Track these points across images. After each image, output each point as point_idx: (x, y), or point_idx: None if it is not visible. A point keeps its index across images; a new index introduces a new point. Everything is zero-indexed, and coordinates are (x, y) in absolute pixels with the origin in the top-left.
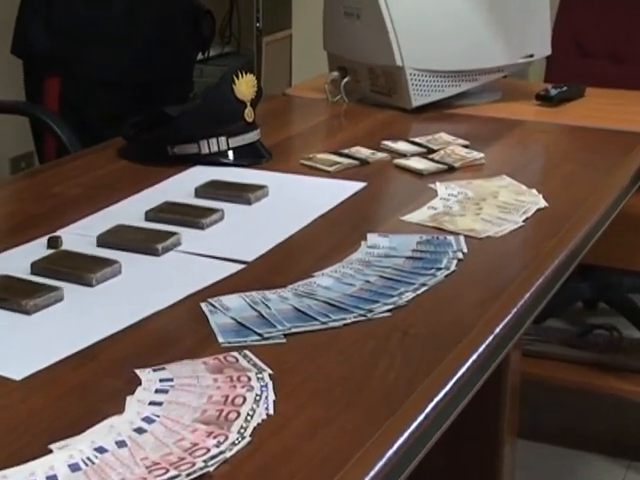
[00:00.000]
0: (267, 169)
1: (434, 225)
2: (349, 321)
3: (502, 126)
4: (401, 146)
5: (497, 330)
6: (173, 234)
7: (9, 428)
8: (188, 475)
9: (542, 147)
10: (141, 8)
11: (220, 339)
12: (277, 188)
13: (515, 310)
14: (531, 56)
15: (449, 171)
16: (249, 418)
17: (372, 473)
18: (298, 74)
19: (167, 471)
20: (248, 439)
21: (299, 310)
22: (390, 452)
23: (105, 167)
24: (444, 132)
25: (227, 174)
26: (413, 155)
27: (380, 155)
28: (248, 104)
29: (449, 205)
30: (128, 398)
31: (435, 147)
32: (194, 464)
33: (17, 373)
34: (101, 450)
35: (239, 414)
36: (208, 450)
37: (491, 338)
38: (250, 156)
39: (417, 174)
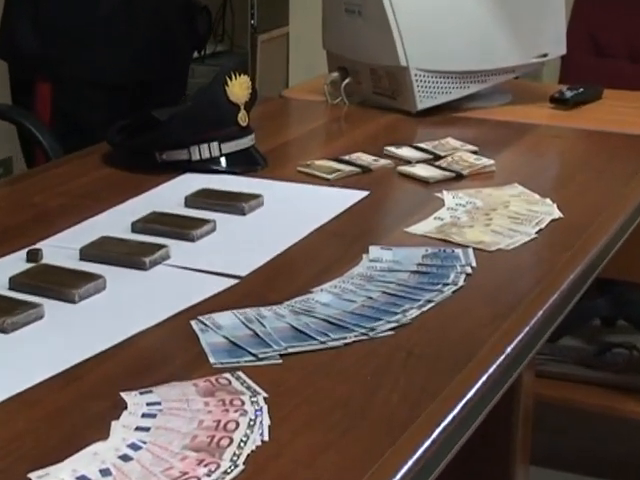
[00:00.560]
0: (262, 177)
1: (441, 237)
2: (350, 340)
3: (513, 131)
4: (405, 152)
5: (508, 350)
6: (161, 247)
7: None
8: None
9: (556, 153)
10: (135, 5)
11: (212, 360)
12: (273, 197)
13: (528, 328)
14: (545, 55)
15: (457, 179)
16: (242, 445)
17: None
18: (295, 75)
19: None
20: (241, 467)
21: (296, 329)
22: None
23: (89, 175)
24: (451, 137)
25: (219, 182)
26: (418, 162)
27: (383, 162)
28: (242, 107)
29: (457, 215)
30: (113, 423)
31: (442, 153)
32: None
33: None
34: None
35: (232, 440)
36: (199, 479)
37: (502, 358)
38: (244, 163)
39: (422, 182)
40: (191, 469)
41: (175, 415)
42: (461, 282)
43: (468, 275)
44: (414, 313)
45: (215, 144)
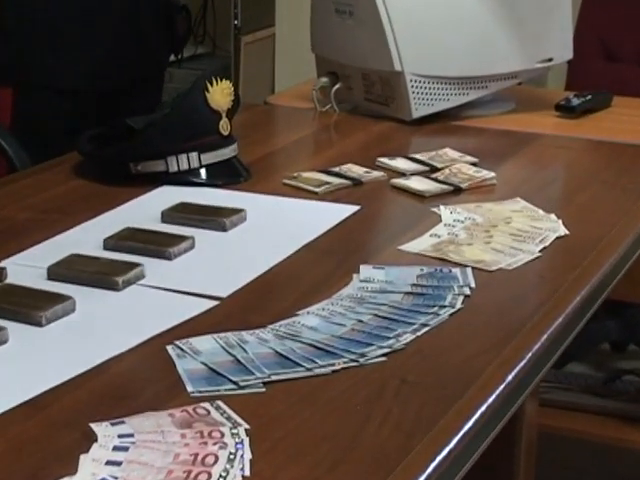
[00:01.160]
0: (245, 190)
1: (437, 256)
2: (338, 367)
3: (516, 141)
4: (400, 164)
5: (509, 378)
6: (135, 265)
7: None
8: None
9: (562, 165)
10: (104, 4)
11: (189, 388)
12: (256, 212)
13: (530, 354)
14: (550, 60)
15: (455, 193)
16: None
17: None
18: (282, 80)
19: None
20: None
21: (281, 354)
22: None
23: (58, 187)
24: (449, 148)
25: (199, 195)
26: (413, 174)
27: (375, 174)
28: (223, 115)
29: (455, 232)
30: (82, 457)
31: (439, 165)
32: None
33: None
34: None
35: (210, 475)
36: None
37: (502, 387)
38: (225, 175)
39: (418, 196)
40: None
41: (149, 448)
42: (459, 304)
43: (466, 297)
44: (408, 338)
45: (194, 154)
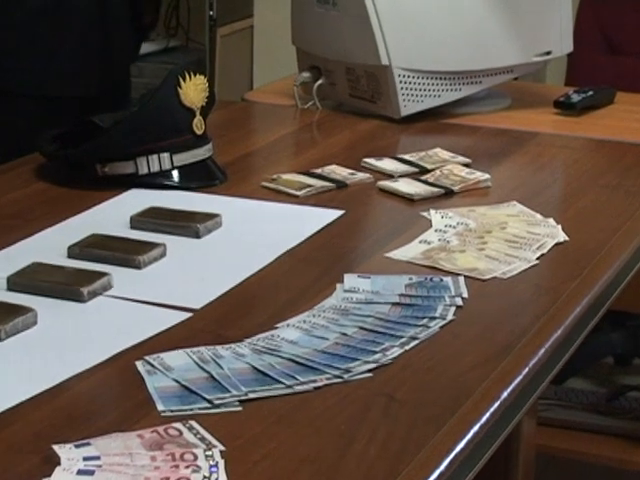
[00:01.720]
0: (220, 193)
1: (427, 264)
2: (320, 384)
3: (512, 140)
4: (387, 165)
5: (504, 395)
6: (102, 275)
7: None
8: None
9: (562, 166)
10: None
11: (160, 407)
12: (232, 217)
13: (527, 369)
14: (548, 53)
15: (446, 196)
16: None
17: None
18: (260, 75)
19: None
20: None
21: (258, 370)
22: None
23: (18, 191)
24: (440, 147)
25: (171, 199)
26: (402, 176)
27: (361, 176)
28: (197, 112)
29: (446, 238)
30: None
31: (429, 166)
32: None
33: None
34: None
35: None
36: None
37: (497, 405)
38: (199, 177)
39: (406, 200)
40: None
41: (116, 472)
42: (450, 316)
43: (458, 307)
44: (396, 352)
45: (166, 155)
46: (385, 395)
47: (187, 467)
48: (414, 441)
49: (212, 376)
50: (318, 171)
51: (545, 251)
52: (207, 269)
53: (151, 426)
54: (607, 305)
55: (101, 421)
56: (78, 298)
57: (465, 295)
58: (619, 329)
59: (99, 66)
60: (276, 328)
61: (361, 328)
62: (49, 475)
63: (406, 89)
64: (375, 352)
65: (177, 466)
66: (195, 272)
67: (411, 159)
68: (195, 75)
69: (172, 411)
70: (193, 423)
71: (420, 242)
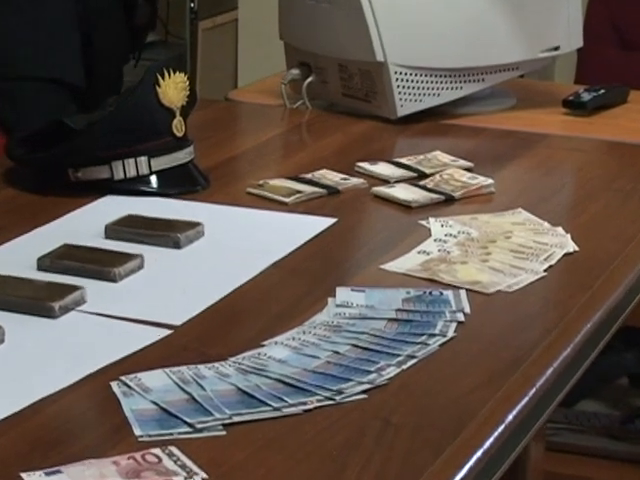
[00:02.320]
0: (202, 200)
1: (426, 276)
2: (311, 406)
3: (518, 142)
4: (382, 169)
5: (509, 418)
6: (75, 288)
7: None
8: None
9: (571, 170)
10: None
11: (137, 431)
12: (215, 226)
13: (534, 390)
14: (556, 49)
15: (447, 203)
16: None
17: None
18: (246, 72)
19: None
20: None
21: (244, 392)
22: None
23: None
24: (440, 150)
25: (149, 207)
26: (398, 181)
27: (354, 181)
28: (177, 113)
29: (446, 249)
30: None
31: (428, 170)
32: None
33: None
34: None
35: None
36: None
37: (501, 429)
38: (180, 183)
39: (404, 207)
40: None
41: None
42: (451, 333)
43: (460, 324)
44: (392, 372)
45: (143, 159)
46: (380, 419)
47: None
48: (411, 469)
49: (194, 398)
50: (308, 176)
51: (553, 262)
52: (188, 282)
53: (127, 452)
54: (620, 321)
55: (73, 447)
56: (49, 314)
57: (467, 310)
58: (634, 347)
59: (84, 57)
60: (263, 346)
61: (354, 346)
62: None
63: (403, 87)
64: (370, 372)
65: None
66: (175, 285)
67: (408, 163)
68: (175, 72)
69: (150, 436)
70: (173, 449)
71: (418, 253)
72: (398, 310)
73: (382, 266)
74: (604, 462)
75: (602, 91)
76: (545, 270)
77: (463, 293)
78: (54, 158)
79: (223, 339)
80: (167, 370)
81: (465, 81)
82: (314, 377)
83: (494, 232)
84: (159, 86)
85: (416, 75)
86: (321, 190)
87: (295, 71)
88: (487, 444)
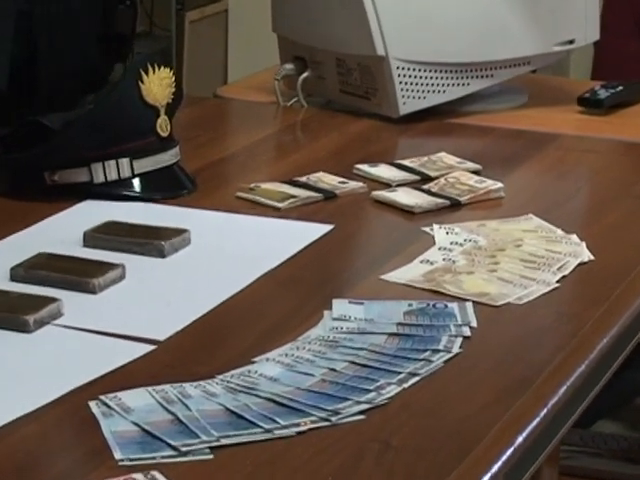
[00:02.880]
0: (189, 205)
1: (430, 287)
2: (305, 428)
3: (529, 143)
4: (383, 172)
5: (520, 440)
6: (51, 300)
7: None
8: None
9: (587, 173)
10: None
11: (117, 455)
12: (203, 233)
13: (546, 410)
14: (571, 42)
15: (452, 208)
16: None
17: None
18: (236, 66)
19: None
20: None
21: (233, 412)
22: None
23: None
24: (445, 152)
25: (130, 212)
26: (400, 185)
27: (353, 185)
28: (162, 111)
29: (452, 258)
30: None
31: (432, 173)
32: None
33: None
34: None
35: None
36: None
37: (510, 452)
38: (164, 186)
39: (406, 212)
40: None
41: None
42: (456, 348)
43: (466, 338)
44: (392, 391)
45: (125, 161)
46: (380, 441)
47: None
48: None
49: (178, 419)
50: (303, 179)
51: (567, 272)
52: (173, 294)
53: (107, 477)
54: (639, 336)
55: (49, 471)
56: (22, 328)
57: (473, 324)
58: None
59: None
60: (253, 363)
61: (352, 363)
62: None
63: (405, 83)
64: (369, 391)
65: None
66: (159, 297)
67: (411, 165)
68: (160, 67)
69: (131, 460)
70: (156, 474)
71: (421, 262)
72: (399, 324)
73: (382, 276)
74: None
75: (620, 88)
76: (558, 281)
77: (469, 305)
78: (29, 160)
79: (210, 355)
80: (150, 389)
81: (472, 77)
82: (308, 396)
83: (503, 240)
84: (142, 82)
85: (419, 70)
86: (317, 194)
87: (289, 66)
88: (495, 468)
